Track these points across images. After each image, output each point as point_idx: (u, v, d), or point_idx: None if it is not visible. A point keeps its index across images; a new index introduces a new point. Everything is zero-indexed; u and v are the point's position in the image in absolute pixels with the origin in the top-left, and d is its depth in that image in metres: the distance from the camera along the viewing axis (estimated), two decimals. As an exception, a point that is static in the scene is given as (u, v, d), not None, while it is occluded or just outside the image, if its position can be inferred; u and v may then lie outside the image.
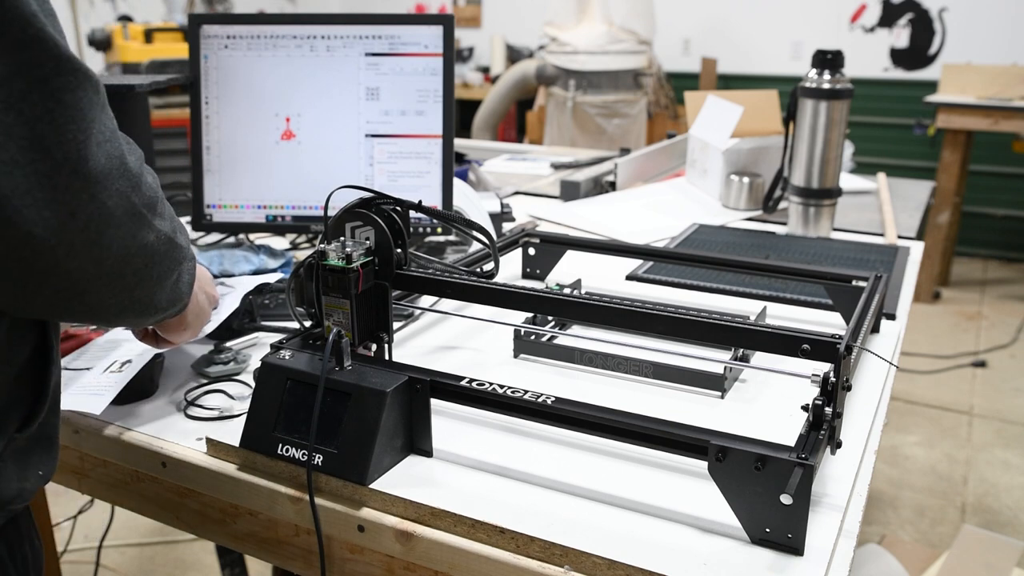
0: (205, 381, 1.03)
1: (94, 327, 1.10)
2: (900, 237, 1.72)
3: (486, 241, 1.01)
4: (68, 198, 0.59)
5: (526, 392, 0.80)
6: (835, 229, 1.72)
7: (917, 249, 1.63)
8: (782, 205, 1.81)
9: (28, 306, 0.65)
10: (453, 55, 1.38)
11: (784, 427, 0.88)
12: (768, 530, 0.70)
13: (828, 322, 1.20)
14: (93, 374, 0.99)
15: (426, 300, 1.17)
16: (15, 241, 0.59)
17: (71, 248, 0.61)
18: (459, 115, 5.03)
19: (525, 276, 1.40)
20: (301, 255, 1.34)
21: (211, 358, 1.05)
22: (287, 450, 0.81)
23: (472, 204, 1.51)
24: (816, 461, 0.69)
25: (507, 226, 1.67)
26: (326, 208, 0.94)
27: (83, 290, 0.65)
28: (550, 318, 1.15)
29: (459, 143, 2.84)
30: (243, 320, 1.16)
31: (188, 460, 0.88)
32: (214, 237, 1.56)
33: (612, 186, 2.12)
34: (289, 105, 1.38)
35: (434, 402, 0.83)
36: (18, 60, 0.57)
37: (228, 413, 0.95)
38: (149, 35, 3.39)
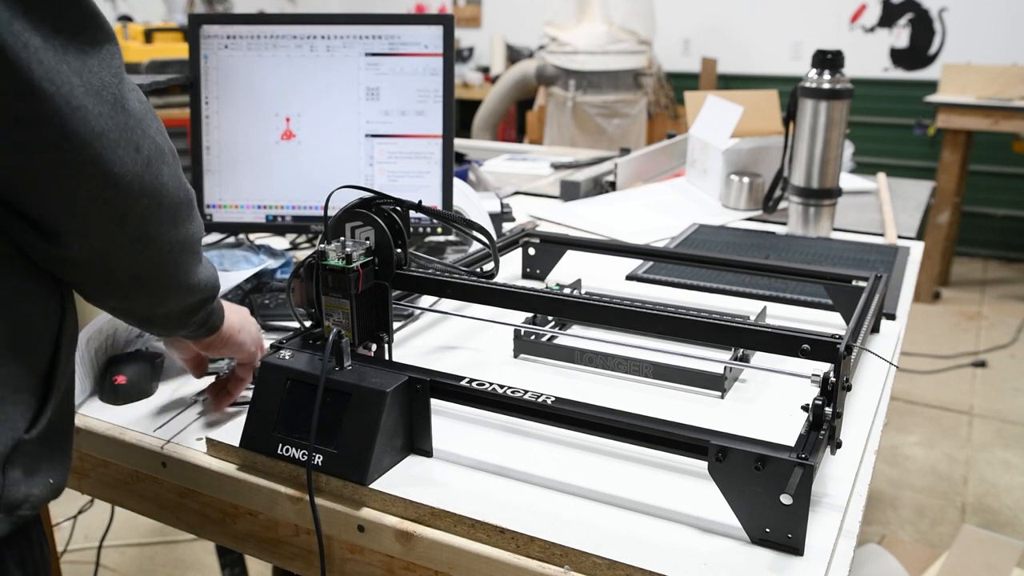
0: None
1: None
2: (900, 237, 1.72)
3: (486, 241, 1.01)
4: (129, 135, 0.64)
5: (526, 392, 0.80)
6: (835, 229, 1.72)
7: (917, 249, 1.63)
8: (782, 205, 1.81)
9: (106, 259, 0.68)
10: (453, 55, 1.38)
11: (784, 427, 0.88)
12: (768, 530, 0.70)
13: (828, 322, 1.20)
14: None
15: (426, 300, 1.17)
16: (101, 179, 0.62)
17: (142, 184, 0.65)
18: (459, 115, 5.03)
19: (525, 276, 1.40)
20: (301, 255, 1.34)
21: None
22: (287, 450, 0.81)
23: (472, 204, 1.51)
24: (816, 461, 0.69)
25: (507, 226, 1.67)
26: (326, 208, 0.94)
27: (150, 236, 0.69)
28: (550, 318, 1.15)
29: (459, 143, 2.84)
30: (243, 320, 1.16)
31: (188, 460, 0.88)
32: (214, 237, 1.56)
33: (612, 186, 2.12)
34: (289, 105, 1.38)
35: (434, 402, 0.83)
36: (55, 14, 0.60)
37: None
38: (149, 35, 3.39)
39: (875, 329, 1.19)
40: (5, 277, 0.66)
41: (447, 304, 1.20)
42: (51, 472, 0.73)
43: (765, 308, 1.18)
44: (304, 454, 0.80)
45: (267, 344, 0.91)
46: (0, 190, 0.62)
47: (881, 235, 1.73)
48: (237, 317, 0.90)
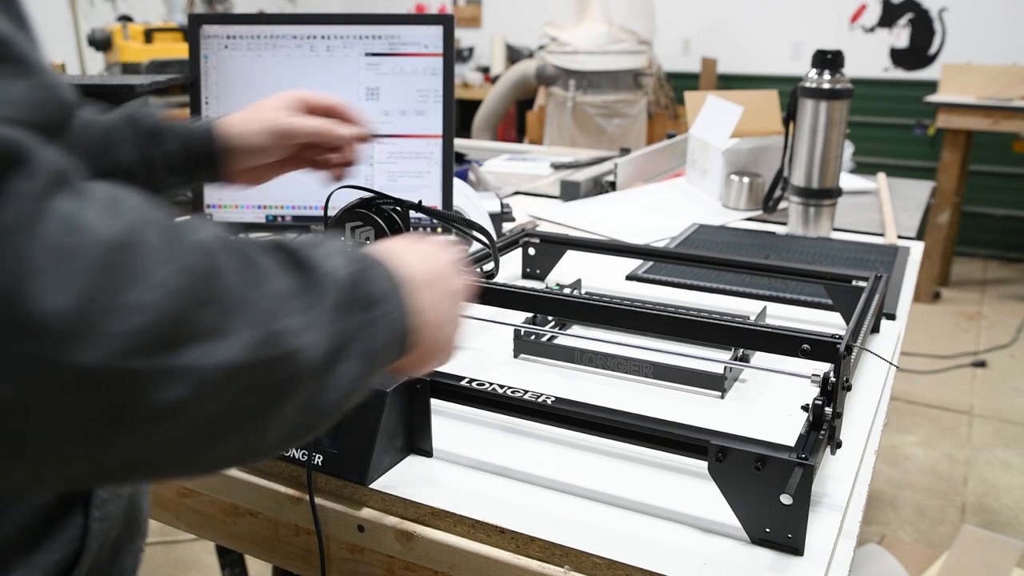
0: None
1: None
2: (900, 237, 1.72)
3: (486, 241, 1.01)
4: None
5: (526, 392, 0.80)
6: (835, 229, 1.72)
7: (917, 249, 1.63)
8: (782, 205, 1.81)
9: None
10: (453, 55, 1.38)
11: (784, 427, 0.88)
12: (768, 530, 0.70)
13: (828, 322, 1.20)
14: None
15: (426, 300, 1.17)
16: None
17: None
18: (459, 115, 5.03)
19: (525, 276, 1.40)
20: (301, 255, 1.34)
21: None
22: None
23: (472, 204, 1.51)
24: (816, 461, 0.69)
25: (507, 226, 1.67)
26: (326, 208, 0.94)
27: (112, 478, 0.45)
28: (550, 318, 1.15)
29: (459, 143, 2.84)
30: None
31: (188, 460, 0.88)
32: (214, 237, 1.55)
33: (612, 186, 2.12)
34: (289, 105, 1.38)
35: (434, 402, 0.83)
36: None
37: None
38: (149, 35, 3.39)
39: (875, 329, 1.18)
40: None
41: (447, 304, 1.20)
42: None
43: (765, 308, 1.18)
44: (304, 454, 0.80)
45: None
46: None
47: (881, 235, 1.73)
48: (431, 336, 0.57)
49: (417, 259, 0.57)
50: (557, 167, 2.44)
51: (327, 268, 0.46)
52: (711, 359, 0.97)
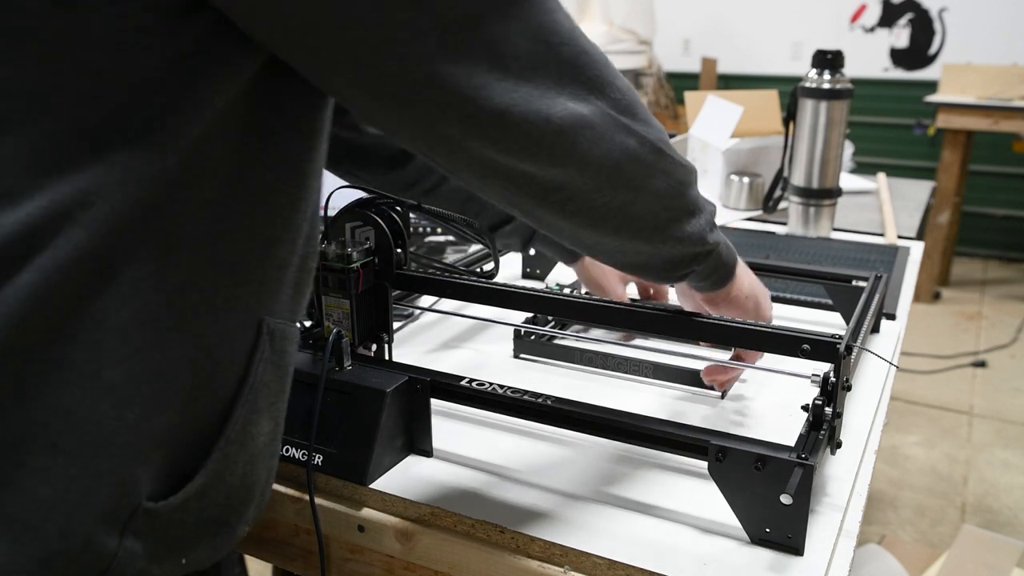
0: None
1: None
2: (900, 237, 1.72)
3: (486, 241, 1.01)
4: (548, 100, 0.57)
5: (526, 392, 0.80)
6: (835, 229, 1.72)
7: (917, 249, 1.63)
8: (782, 205, 1.81)
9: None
10: (453, 55, 1.38)
11: (784, 427, 0.88)
12: (768, 530, 0.70)
13: (828, 322, 1.20)
14: None
15: (426, 300, 1.17)
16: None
17: (551, 156, 0.58)
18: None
19: (525, 276, 1.40)
20: (301, 255, 1.34)
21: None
22: (287, 450, 0.81)
23: (472, 204, 1.51)
24: (816, 461, 0.69)
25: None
26: (326, 208, 0.94)
27: (569, 196, 0.63)
28: (550, 318, 1.15)
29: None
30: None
31: (188, 460, 0.88)
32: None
33: (612, 186, 2.11)
34: (289, 105, 1.38)
35: (434, 402, 0.83)
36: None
37: None
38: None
39: (875, 329, 1.18)
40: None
41: (447, 304, 1.20)
42: (186, 550, 0.59)
43: (765, 308, 1.18)
44: (304, 454, 0.80)
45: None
46: None
47: (881, 235, 1.73)
48: (748, 281, 0.85)
49: None
50: (557, 167, 2.43)
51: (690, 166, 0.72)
52: (711, 359, 0.97)
